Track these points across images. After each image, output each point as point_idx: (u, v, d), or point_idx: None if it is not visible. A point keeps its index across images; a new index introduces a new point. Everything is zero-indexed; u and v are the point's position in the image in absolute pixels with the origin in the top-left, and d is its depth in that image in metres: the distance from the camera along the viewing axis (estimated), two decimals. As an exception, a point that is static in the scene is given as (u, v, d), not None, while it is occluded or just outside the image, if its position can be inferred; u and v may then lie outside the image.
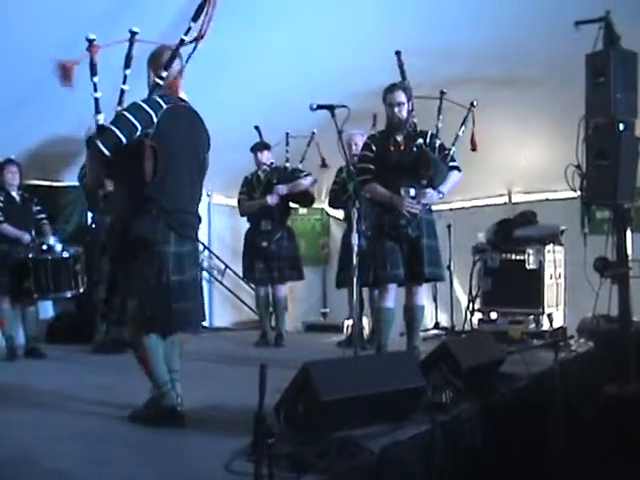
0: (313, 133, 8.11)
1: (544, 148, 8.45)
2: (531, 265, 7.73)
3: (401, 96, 6.01)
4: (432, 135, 6.23)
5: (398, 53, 6.53)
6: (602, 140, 5.72)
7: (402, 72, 6.49)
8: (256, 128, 8.12)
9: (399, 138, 6.07)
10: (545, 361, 5.84)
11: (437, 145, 6.17)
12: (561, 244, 8.07)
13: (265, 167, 7.90)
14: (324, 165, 8.25)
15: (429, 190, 5.97)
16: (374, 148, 6.06)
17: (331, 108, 4.97)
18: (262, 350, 7.64)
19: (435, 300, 9.34)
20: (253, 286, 8.67)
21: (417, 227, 5.97)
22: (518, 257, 7.63)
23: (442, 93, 6.68)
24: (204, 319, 4.69)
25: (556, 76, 7.29)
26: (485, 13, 6.80)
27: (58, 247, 7.26)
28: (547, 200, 9.37)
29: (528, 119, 7.18)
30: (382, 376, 3.87)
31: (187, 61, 4.34)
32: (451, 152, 6.24)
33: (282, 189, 7.79)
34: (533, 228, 8.13)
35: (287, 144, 8.22)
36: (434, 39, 7.11)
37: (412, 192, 5.94)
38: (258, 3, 6.38)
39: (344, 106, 4.91)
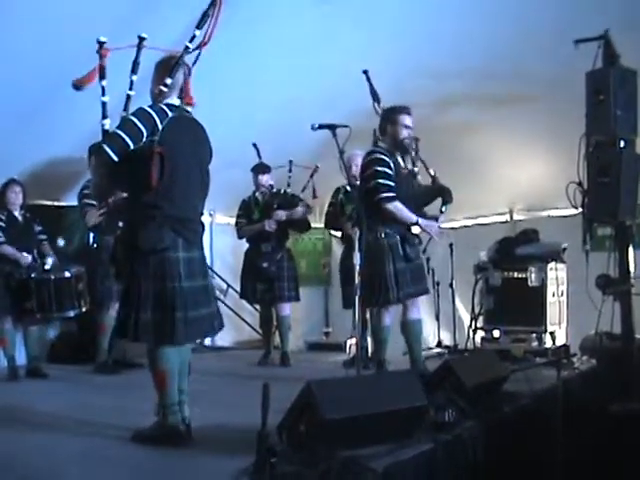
0: (317, 166, 8.10)
1: (545, 166, 8.46)
2: (533, 283, 7.72)
3: (411, 119, 6.09)
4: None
5: (366, 72, 6.62)
6: (603, 157, 5.73)
7: (373, 92, 6.60)
8: (254, 145, 8.12)
9: (401, 161, 6.12)
10: (548, 379, 5.83)
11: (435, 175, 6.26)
12: (563, 261, 8.07)
13: (264, 189, 7.91)
14: (315, 197, 8.22)
15: (442, 216, 6.19)
16: (392, 166, 5.99)
17: (332, 128, 4.96)
18: (265, 369, 7.64)
19: (437, 318, 9.32)
20: (256, 306, 8.68)
21: (416, 251, 6.19)
22: (520, 275, 7.62)
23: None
24: (222, 325, 4.56)
25: (556, 94, 7.31)
26: (485, 31, 6.83)
27: (56, 268, 7.27)
28: (549, 217, 9.38)
29: (529, 137, 7.20)
30: (385, 395, 3.86)
31: (193, 66, 4.34)
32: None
33: (281, 215, 7.81)
34: (535, 246, 8.13)
35: (290, 170, 8.20)
36: (434, 58, 7.14)
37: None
38: (258, 19, 6.41)
39: (346, 126, 4.92)
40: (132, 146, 4.07)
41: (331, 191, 7.90)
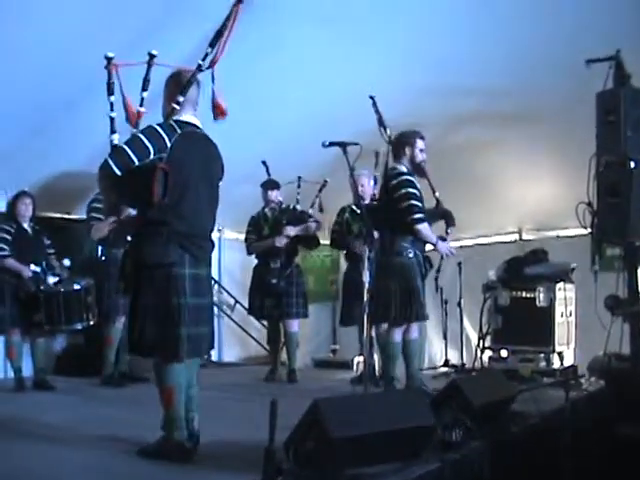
0: (325, 181, 8.11)
1: (555, 185, 8.46)
2: (542, 303, 7.71)
3: (422, 144, 6.31)
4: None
5: (372, 98, 6.76)
6: (613, 178, 5.73)
7: (379, 118, 6.75)
8: (263, 163, 8.14)
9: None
10: (556, 400, 5.80)
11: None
12: (572, 282, 8.05)
13: (273, 205, 7.92)
14: (321, 210, 8.22)
15: (448, 237, 6.48)
16: (418, 187, 6.25)
17: (343, 145, 4.98)
18: (271, 385, 7.62)
19: (445, 337, 9.30)
20: (264, 322, 8.67)
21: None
22: (528, 295, 7.61)
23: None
24: (212, 347, 4.61)
25: (566, 113, 7.31)
26: (497, 51, 6.84)
27: (66, 281, 7.30)
28: (558, 237, 9.36)
29: (538, 156, 7.20)
30: (392, 414, 3.84)
31: (213, 84, 4.34)
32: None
33: (291, 230, 7.81)
34: (544, 266, 8.11)
35: (299, 186, 8.21)
36: (447, 77, 7.15)
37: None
38: (270, 39, 6.44)
39: (356, 143, 4.94)
40: (137, 162, 4.09)
41: (338, 208, 7.90)
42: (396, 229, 6.20)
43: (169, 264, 4.15)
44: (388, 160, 6.46)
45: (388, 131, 6.76)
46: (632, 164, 5.68)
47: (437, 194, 6.49)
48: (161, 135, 4.14)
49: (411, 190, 6.15)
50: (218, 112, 4.37)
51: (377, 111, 6.80)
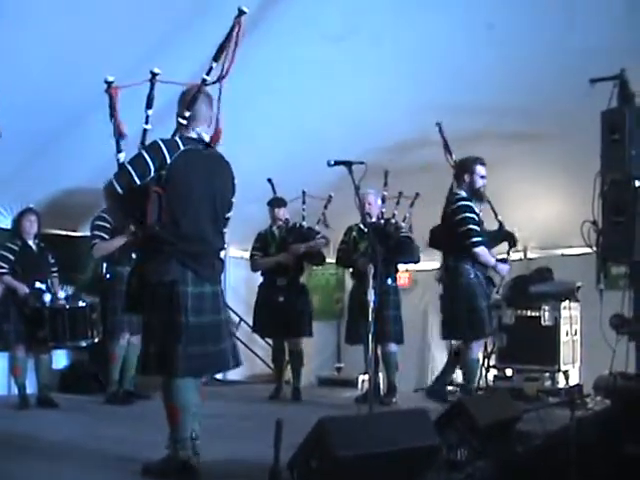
0: (330, 196, 8.11)
1: (559, 204, 8.45)
2: (547, 321, 7.69)
3: (485, 170, 6.61)
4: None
5: (439, 124, 7.07)
6: (618, 196, 5.70)
7: (446, 144, 7.10)
8: (269, 181, 8.15)
9: (479, 209, 6.65)
10: (561, 419, 5.75)
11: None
12: (577, 300, 8.03)
13: (280, 223, 7.93)
14: (327, 226, 8.22)
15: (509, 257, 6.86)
16: (477, 212, 6.56)
17: (348, 164, 4.98)
18: (276, 404, 7.61)
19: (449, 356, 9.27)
20: (268, 340, 8.66)
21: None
22: (534, 313, 7.59)
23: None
24: (238, 363, 4.56)
25: (572, 132, 7.31)
26: (502, 69, 6.86)
27: (62, 296, 7.32)
28: (562, 256, 9.33)
29: (544, 174, 7.20)
30: (398, 433, 3.83)
31: (218, 102, 4.36)
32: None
33: (298, 249, 7.81)
34: (549, 284, 8.10)
35: (304, 202, 8.22)
36: (454, 95, 7.16)
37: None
38: (276, 55, 6.47)
39: (362, 162, 4.95)
40: (138, 181, 4.13)
41: (343, 226, 7.91)
42: (457, 252, 6.56)
43: (170, 282, 4.15)
44: (453, 185, 6.78)
45: (453, 156, 7.09)
46: (637, 183, 5.67)
47: (500, 217, 6.82)
48: (162, 150, 4.17)
49: (469, 215, 6.47)
50: (215, 138, 4.39)
51: (443, 137, 7.10)
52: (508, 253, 6.87)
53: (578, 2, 6.16)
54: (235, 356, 4.49)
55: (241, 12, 4.31)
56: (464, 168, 6.66)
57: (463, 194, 6.60)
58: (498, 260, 6.72)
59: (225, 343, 4.41)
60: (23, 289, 7.11)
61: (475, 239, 6.47)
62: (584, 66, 6.00)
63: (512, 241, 6.90)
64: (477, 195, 6.65)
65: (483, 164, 6.65)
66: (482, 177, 6.62)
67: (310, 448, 3.64)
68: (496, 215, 6.84)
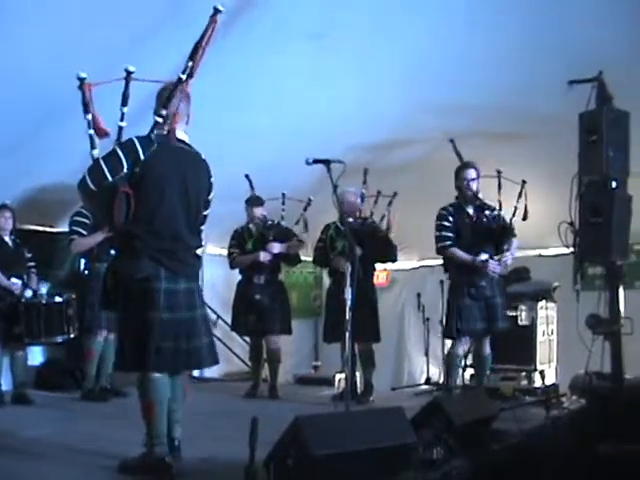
0: (310, 199, 8.10)
1: (538, 204, 8.48)
2: (523, 321, 7.74)
3: (473, 173, 6.84)
4: (493, 208, 7.03)
5: (452, 141, 7.21)
6: (595, 197, 5.75)
7: (459, 156, 7.23)
8: (246, 176, 8.11)
9: (470, 210, 6.89)
10: (537, 418, 5.81)
11: (502, 216, 7.00)
12: (554, 300, 8.07)
13: (257, 221, 7.91)
14: (306, 230, 8.19)
15: (508, 253, 6.83)
16: (450, 219, 6.83)
17: (327, 163, 4.98)
18: (253, 402, 7.60)
19: (427, 355, 9.31)
20: (247, 337, 8.65)
21: (491, 287, 6.79)
22: (511, 313, 7.61)
23: (499, 172, 7.30)
24: (214, 360, 4.57)
25: (551, 133, 7.34)
26: (485, 69, 6.88)
27: (43, 291, 7.29)
28: (540, 256, 9.39)
29: (523, 175, 7.23)
30: (374, 432, 3.84)
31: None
32: (511, 222, 6.99)
33: (276, 247, 7.81)
34: (526, 284, 8.15)
35: (283, 203, 8.21)
36: (437, 94, 7.18)
37: (485, 256, 6.73)
38: (256, 52, 6.44)
39: (340, 161, 4.95)
40: (110, 178, 4.12)
41: (322, 225, 7.91)
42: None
43: (143, 279, 4.15)
44: None
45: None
46: (614, 184, 5.72)
47: (495, 212, 6.98)
48: (135, 148, 4.17)
49: (438, 222, 6.86)
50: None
51: (457, 152, 7.25)
52: (502, 251, 6.85)
53: (562, 4, 6.18)
54: (212, 353, 4.49)
55: (217, 11, 4.31)
56: (455, 176, 6.90)
57: (453, 202, 6.92)
58: (485, 260, 6.73)
59: (201, 340, 4.40)
60: (16, 286, 7.07)
61: (440, 244, 6.84)
62: (564, 68, 6.03)
63: (505, 235, 6.90)
64: (465, 199, 6.87)
65: (470, 167, 6.85)
66: (472, 180, 6.80)
67: (286, 446, 3.65)
68: (491, 211, 6.97)
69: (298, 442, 3.58)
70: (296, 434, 3.61)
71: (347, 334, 5.04)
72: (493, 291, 6.80)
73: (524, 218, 7.12)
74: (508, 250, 6.84)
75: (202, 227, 4.57)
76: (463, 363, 7.62)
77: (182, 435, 4.39)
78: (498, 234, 6.87)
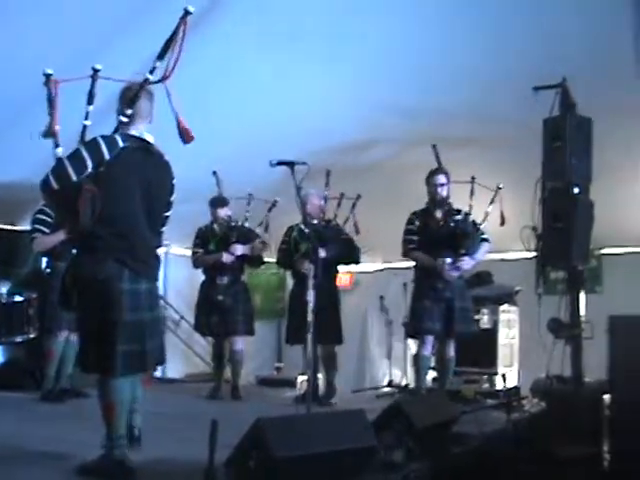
0: (275, 200, 8.08)
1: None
2: (485, 325, 7.79)
3: (443, 178, 7.06)
4: (466, 213, 7.14)
5: (434, 147, 7.23)
6: (558, 203, 5.79)
7: (438, 161, 7.24)
8: (214, 173, 8.06)
9: (439, 214, 7.11)
10: (498, 421, 5.84)
11: (470, 221, 7.11)
12: (516, 304, 8.13)
13: (221, 221, 7.89)
14: (266, 230, 8.17)
15: (465, 258, 6.96)
16: (417, 223, 7.11)
17: (291, 164, 4.99)
18: (215, 403, 7.58)
19: (389, 357, 9.33)
20: (210, 338, 8.62)
21: (451, 290, 6.96)
22: (473, 317, 7.65)
23: (473, 178, 7.30)
24: (163, 361, 4.58)
25: (514, 138, 7.39)
26: (447, 73, 6.91)
27: (3, 291, 7.21)
28: (502, 260, 9.45)
29: (487, 179, 7.27)
30: (335, 434, 3.85)
31: (175, 109, 4.34)
32: (481, 227, 7.16)
33: (239, 249, 7.79)
34: (488, 288, 8.21)
35: (248, 204, 8.16)
36: (399, 97, 7.20)
37: (448, 260, 6.92)
38: (221, 52, 6.43)
39: (304, 163, 4.95)
40: (74, 177, 4.07)
41: (286, 227, 7.90)
42: None
43: (105, 279, 4.11)
44: None
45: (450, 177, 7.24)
46: (576, 190, 5.76)
47: (459, 217, 7.11)
48: (100, 149, 4.13)
49: (405, 227, 7.16)
50: (186, 137, 4.38)
51: (437, 158, 7.25)
52: (461, 252, 6.98)
53: (526, 11, 6.23)
54: (163, 352, 4.50)
55: (187, 12, 4.29)
56: (426, 181, 7.11)
57: (422, 207, 7.17)
58: (446, 263, 6.93)
59: (159, 339, 4.44)
60: None
61: (404, 248, 7.16)
62: (529, 74, 6.07)
63: (461, 240, 7.04)
64: (434, 203, 7.10)
65: (440, 173, 7.07)
66: (441, 185, 7.03)
67: (248, 448, 3.64)
68: (460, 215, 7.13)
69: (259, 444, 3.57)
70: (257, 436, 3.60)
71: (309, 336, 5.04)
72: (453, 293, 6.96)
73: (502, 223, 7.23)
74: (468, 255, 6.97)
75: (163, 228, 4.54)
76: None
77: (142, 437, 4.36)
78: (460, 239, 6.99)
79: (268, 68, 6.74)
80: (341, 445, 3.81)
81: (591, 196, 5.92)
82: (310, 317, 5.06)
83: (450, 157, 7.40)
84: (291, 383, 9.01)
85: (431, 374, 7.77)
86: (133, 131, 4.31)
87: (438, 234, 7.05)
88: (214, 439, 3.25)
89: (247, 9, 6.03)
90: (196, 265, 8.08)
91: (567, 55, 6.30)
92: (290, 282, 8.49)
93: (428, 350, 7.08)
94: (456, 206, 7.23)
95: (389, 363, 9.36)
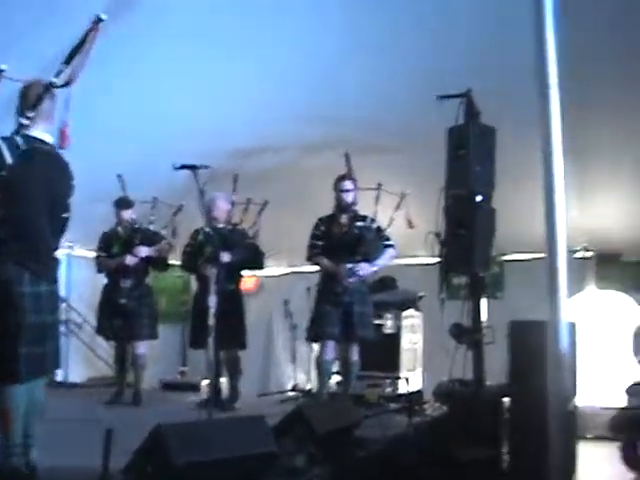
0: (181, 205, 8.00)
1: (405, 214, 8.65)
2: (389, 330, 7.86)
3: (349, 184, 7.20)
4: (371, 219, 7.27)
5: (347, 154, 7.36)
6: (460, 210, 5.88)
7: (349, 168, 7.39)
8: (119, 177, 7.94)
9: (344, 220, 7.22)
10: (401, 425, 5.90)
11: (375, 227, 7.26)
12: (419, 309, 8.23)
13: (126, 223, 7.79)
14: (174, 234, 8.10)
15: (363, 264, 7.04)
16: (322, 228, 7.23)
17: (193, 168, 4.97)
18: (116, 409, 7.45)
19: (294, 361, 9.34)
20: (113, 342, 8.48)
21: (351, 295, 7.02)
22: (376, 322, 7.72)
23: (379, 185, 7.44)
24: (59, 366, 4.53)
25: (419, 145, 7.47)
26: (348, 80, 6.96)
27: None
28: (407, 265, 9.54)
29: (389, 186, 7.35)
30: (235, 440, 3.83)
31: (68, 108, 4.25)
32: (386, 233, 7.32)
33: (143, 251, 7.70)
34: (392, 293, 8.30)
35: (153, 207, 8.07)
36: (304, 103, 7.21)
37: (348, 266, 7.01)
38: (125, 49, 6.33)
39: (207, 166, 4.94)
40: None
41: (192, 230, 7.83)
42: None
43: (4, 281, 4.01)
44: None
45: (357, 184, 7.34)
46: (479, 197, 5.86)
47: (360, 223, 7.22)
48: (1, 152, 4.03)
49: (312, 231, 7.27)
50: (63, 142, 4.28)
51: (348, 165, 7.40)
52: (356, 259, 7.04)
53: (434, 24, 6.32)
54: (59, 356, 4.42)
55: (99, 19, 4.21)
56: (333, 186, 7.21)
57: (329, 212, 7.28)
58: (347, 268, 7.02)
59: (58, 342, 4.36)
60: None
61: (308, 253, 7.29)
62: (434, 82, 6.15)
63: (356, 247, 7.11)
64: (340, 208, 7.22)
65: (346, 179, 7.19)
66: (346, 191, 7.15)
67: (147, 454, 3.60)
68: (366, 222, 7.25)
69: (159, 450, 3.53)
70: (157, 442, 3.56)
71: (211, 340, 5.02)
72: (353, 298, 7.04)
73: (410, 227, 7.41)
74: (367, 261, 7.09)
75: (63, 230, 4.46)
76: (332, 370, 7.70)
77: (38, 443, 4.25)
78: (361, 245, 7.09)
79: (174, 70, 6.67)
80: (241, 451, 3.79)
81: (493, 204, 6.03)
82: (212, 321, 5.03)
83: (357, 164, 7.47)
84: (195, 387, 8.94)
85: (336, 378, 7.82)
86: (34, 132, 4.22)
87: (341, 240, 7.13)
88: (108, 448, 3.20)
89: (150, 8, 5.95)
90: (100, 269, 7.96)
91: (472, 66, 6.40)
92: (195, 285, 8.41)
93: (329, 354, 7.12)
94: (364, 212, 7.30)
95: (294, 367, 9.37)
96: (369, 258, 7.14)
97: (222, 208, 7.56)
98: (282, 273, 11.08)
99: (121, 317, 7.68)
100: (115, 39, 5.79)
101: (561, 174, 4.49)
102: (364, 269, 7.11)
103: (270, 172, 8.35)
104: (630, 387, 6.95)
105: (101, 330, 8.05)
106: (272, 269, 10.34)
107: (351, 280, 7.02)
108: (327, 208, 7.24)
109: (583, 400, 6.71)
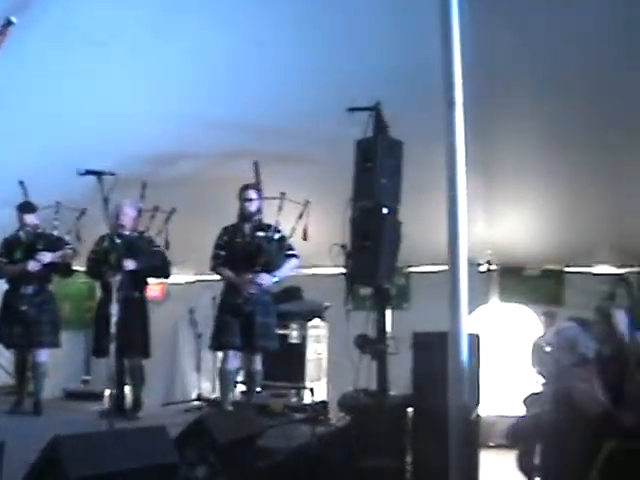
0: (84, 209, 7.85)
1: (315, 225, 8.68)
2: (294, 340, 7.87)
3: (252, 194, 7.20)
4: (275, 228, 7.28)
5: (256, 163, 7.51)
6: (366, 222, 5.94)
7: (257, 177, 7.59)
8: (21, 183, 7.78)
9: (246, 229, 7.22)
10: (305, 435, 5.91)
11: (277, 237, 7.26)
12: (324, 320, 8.26)
13: (28, 228, 7.62)
14: (78, 239, 7.97)
15: (262, 275, 7.04)
16: (225, 238, 7.23)
17: (98, 174, 4.91)
18: (16, 418, 7.26)
19: (198, 370, 9.28)
20: (13, 350, 8.28)
21: (252, 305, 7.00)
22: (281, 332, 7.72)
23: (282, 194, 7.39)
24: None
25: (330, 157, 7.53)
26: (266, 87, 6.97)
27: None
28: (314, 275, 9.57)
29: (298, 195, 7.38)
30: (135, 451, 3.78)
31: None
32: (289, 242, 7.33)
33: (46, 257, 7.53)
34: (297, 303, 8.32)
35: (57, 212, 7.91)
36: (214, 110, 7.19)
37: (249, 276, 7.02)
38: (32, 51, 6.23)
39: (112, 173, 4.89)
40: None
41: (97, 236, 7.71)
42: None
43: None
44: None
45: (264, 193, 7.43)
46: (385, 210, 5.93)
47: (262, 233, 7.21)
48: None
49: (216, 241, 7.26)
50: None
51: (257, 174, 7.58)
52: (257, 272, 7.06)
53: (343, 32, 6.38)
54: None
55: (9, 22, 4.14)
56: (238, 195, 7.17)
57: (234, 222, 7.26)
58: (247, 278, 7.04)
59: None
60: None
61: (211, 263, 7.26)
62: (344, 93, 6.20)
63: (256, 257, 7.13)
64: (243, 217, 7.20)
65: (250, 188, 7.20)
66: (250, 200, 7.13)
67: (43, 467, 3.52)
68: (270, 231, 7.24)
69: (55, 463, 3.45)
70: (53, 455, 3.48)
71: (112, 348, 4.95)
72: (255, 308, 7.02)
73: (304, 238, 7.37)
74: (268, 271, 7.09)
75: None
76: (236, 379, 7.67)
77: None
78: (260, 255, 7.10)
79: (82, 73, 6.57)
80: (141, 462, 3.74)
81: (400, 216, 6.11)
82: (114, 329, 4.96)
83: (263, 172, 7.49)
84: (98, 397, 8.77)
85: (241, 388, 7.79)
86: None
87: (243, 250, 7.15)
88: (0, 462, 3.12)
89: (61, 12, 5.86)
90: (1, 275, 7.75)
91: (382, 80, 6.48)
92: (100, 292, 8.27)
93: (232, 364, 7.11)
94: (268, 221, 7.30)
95: (198, 376, 9.30)
96: (269, 268, 7.13)
97: (129, 215, 7.45)
98: (188, 281, 11.01)
99: (21, 324, 7.47)
100: (16, 40, 5.72)
101: (464, 188, 4.59)
102: (264, 279, 7.08)
103: (181, 179, 8.30)
104: (527, 398, 7.11)
105: (1, 338, 7.84)
106: (178, 277, 10.25)
107: (252, 291, 7.02)
108: (235, 217, 7.23)
109: (486, 409, 6.88)
